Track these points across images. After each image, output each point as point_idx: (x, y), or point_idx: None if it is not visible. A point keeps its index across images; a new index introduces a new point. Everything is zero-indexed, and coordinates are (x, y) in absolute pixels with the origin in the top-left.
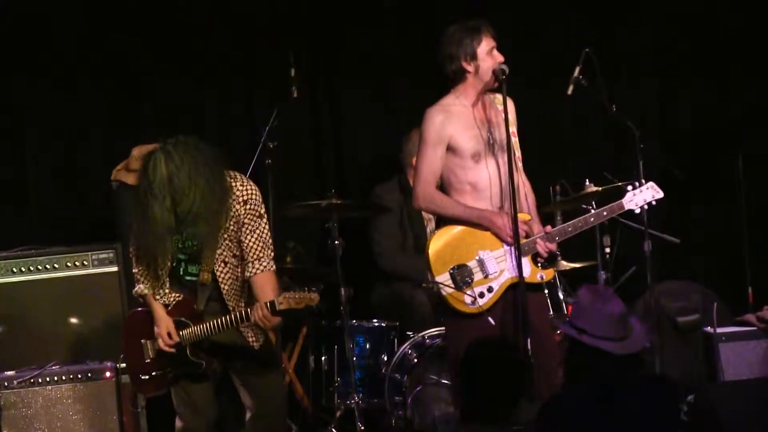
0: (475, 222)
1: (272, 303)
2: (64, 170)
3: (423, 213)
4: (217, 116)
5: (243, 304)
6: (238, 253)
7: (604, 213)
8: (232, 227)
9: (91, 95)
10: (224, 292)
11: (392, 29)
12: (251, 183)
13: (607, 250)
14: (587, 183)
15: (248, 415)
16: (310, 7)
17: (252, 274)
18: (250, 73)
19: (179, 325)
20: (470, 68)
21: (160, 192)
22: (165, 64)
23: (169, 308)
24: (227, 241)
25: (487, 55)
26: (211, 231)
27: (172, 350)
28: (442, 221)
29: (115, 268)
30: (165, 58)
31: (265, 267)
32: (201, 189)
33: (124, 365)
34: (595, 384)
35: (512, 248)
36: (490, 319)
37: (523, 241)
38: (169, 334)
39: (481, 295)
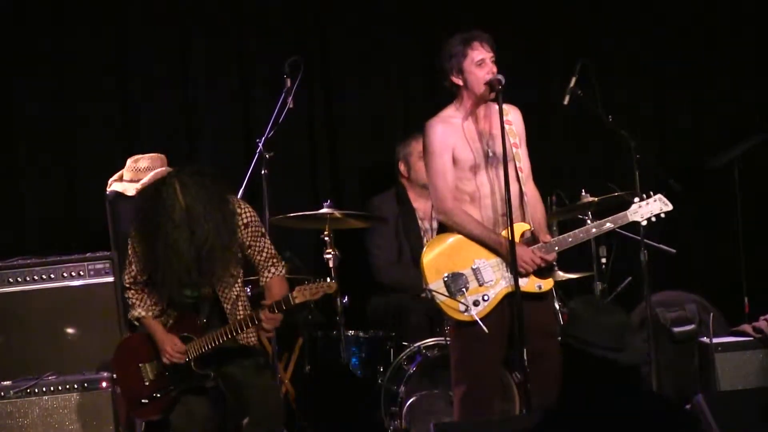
0: (491, 246)
1: (272, 305)
2: (59, 180)
3: (420, 223)
4: (213, 127)
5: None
6: (235, 273)
7: (607, 224)
8: (235, 250)
9: (86, 104)
10: (227, 310)
11: (390, 38)
12: (247, 205)
13: (603, 260)
14: (583, 193)
15: (245, 422)
16: (306, 15)
17: (264, 281)
18: (246, 84)
19: (183, 340)
20: (459, 81)
21: (182, 222)
22: (161, 72)
23: (169, 326)
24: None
25: (475, 68)
26: (223, 267)
27: (182, 360)
28: (445, 230)
29: (110, 278)
30: (161, 66)
31: (273, 274)
32: (215, 222)
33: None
34: (595, 396)
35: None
36: (483, 326)
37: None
38: (176, 345)
39: (476, 303)
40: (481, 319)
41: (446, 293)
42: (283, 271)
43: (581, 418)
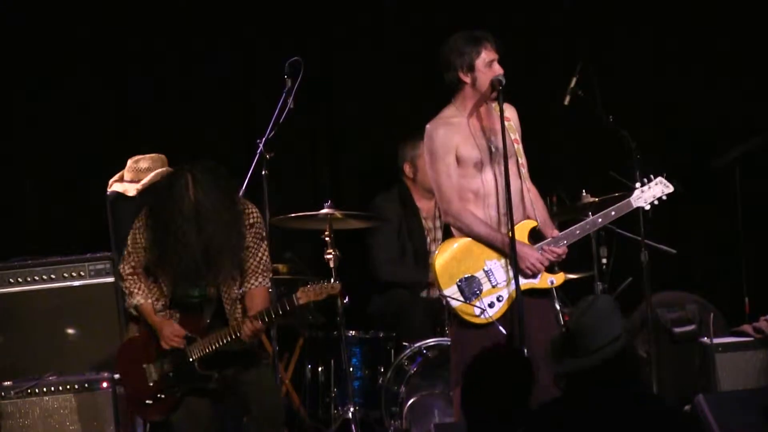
0: (498, 247)
1: (259, 314)
2: (59, 180)
3: (423, 222)
4: (214, 127)
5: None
6: (236, 275)
7: (612, 213)
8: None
9: (86, 105)
10: (227, 311)
11: (391, 38)
12: (255, 207)
13: (604, 260)
14: (584, 193)
15: (246, 422)
16: (307, 15)
17: (247, 289)
18: (248, 84)
19: (186, 341)
20: (467, 79)
21: (190, 215)
22: (162, 73)
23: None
24: None
25: (486, 68)
26: (232, 266)
27: (181, 344)
28: (451, 233)
29: (111, 279)
30: (162, 67)
31: (260, 284)
32: (223, 221)
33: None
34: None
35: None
36: (501, 328)
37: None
38: (174, 329)
39: (491, 304)
40: (496, 321)
41: (461, 298)
42: (269, 284)
43: (580, 418)
